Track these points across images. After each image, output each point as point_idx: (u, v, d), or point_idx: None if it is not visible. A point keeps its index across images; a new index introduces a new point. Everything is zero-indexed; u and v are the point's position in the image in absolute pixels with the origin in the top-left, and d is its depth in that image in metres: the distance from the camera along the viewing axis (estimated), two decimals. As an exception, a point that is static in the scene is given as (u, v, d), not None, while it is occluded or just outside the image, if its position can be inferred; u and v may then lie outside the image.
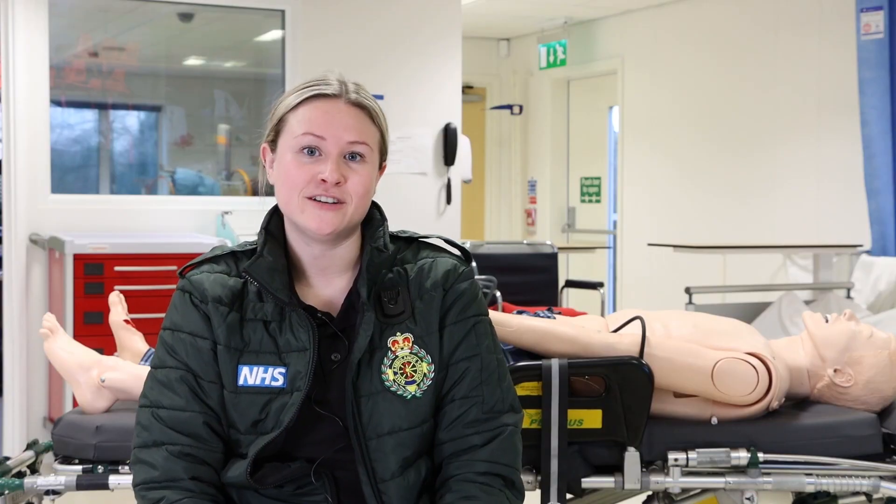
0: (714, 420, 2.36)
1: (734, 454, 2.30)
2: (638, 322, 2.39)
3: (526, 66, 8.72)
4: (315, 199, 1.67)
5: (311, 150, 1.68)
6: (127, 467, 2.25)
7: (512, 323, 2.37)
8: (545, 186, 8.58)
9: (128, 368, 2.42)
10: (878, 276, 5.20)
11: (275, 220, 1.76)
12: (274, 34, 5.82)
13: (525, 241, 5.93)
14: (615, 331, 2.44)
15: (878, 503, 2.38)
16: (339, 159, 1.68)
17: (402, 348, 1.70)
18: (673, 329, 2.46)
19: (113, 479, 2.27)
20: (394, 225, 1.81)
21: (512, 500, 1.73)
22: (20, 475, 2.30)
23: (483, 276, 4.77)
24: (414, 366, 1.70)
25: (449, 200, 6.03)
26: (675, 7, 7.25)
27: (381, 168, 1.77)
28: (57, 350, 2.48)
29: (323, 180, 1.66)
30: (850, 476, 2.33)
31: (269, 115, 1.75)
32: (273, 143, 1.74)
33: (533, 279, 5.58)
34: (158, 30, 5.89)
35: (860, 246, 5.43)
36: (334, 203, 1.67)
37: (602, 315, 3.12)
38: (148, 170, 5.96)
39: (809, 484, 2.32)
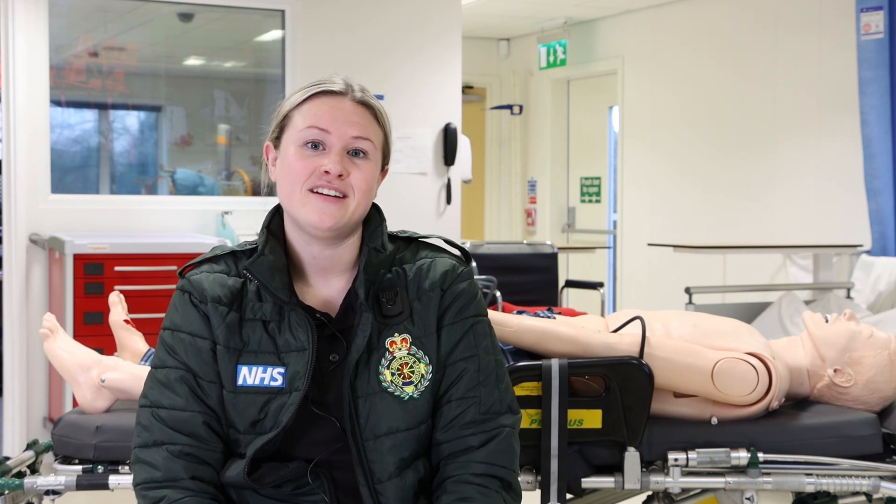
0: (714, 420, 2.36)
1: (734, 454, 2.30)
2: (638, 322, 2.39)
3: (526, 66, 8.72)
4: (317, 192, 1.67)
5: (315, 144, 1.69)
6: (127, 467, 2.26)
7: (512, 323, 2.37)
8: (545, 186, 8.57)
9: (128, 368, 2.42)
10: (878, 276, 5.20)
11: (276, 219, 1.76)
12: (274, 34, 5.82)
13: (525, 241, 5.93)
14: (615, 331, 2.44)
15: (878, 503, 2.39)
16: (343, 153, 1.68)
17: (399, 349, 1.70)
18: (673, 329, 2.46)
19: (113, 479, 2.27)
20: (394, 225, 1.81)
21: (509, 502, 1.72)
22: (20, 475, 2.31)
23: (483, 277, 4.78)
24: (412, 367, 1.70)
25: (449, 200, 6.03)
26: (675, 7, 7.25)
27: (384, 171, 1.78)
28: (57, 350, 2.48)
29: (326, 171, 1.66)
30: (850, 476, 2.33)
31: (274, 114, 1.76)
32: (277, 140, 1.74)
33: (533, 279, 5.59)
34: (158, 30, 5.89)
35: (860, 246, 5.43)
36: (337, 197, 1.67)
37: (602, 315, 3.12)
38: (148, 170, 5.96)
39: (809, 484, 2.33)
